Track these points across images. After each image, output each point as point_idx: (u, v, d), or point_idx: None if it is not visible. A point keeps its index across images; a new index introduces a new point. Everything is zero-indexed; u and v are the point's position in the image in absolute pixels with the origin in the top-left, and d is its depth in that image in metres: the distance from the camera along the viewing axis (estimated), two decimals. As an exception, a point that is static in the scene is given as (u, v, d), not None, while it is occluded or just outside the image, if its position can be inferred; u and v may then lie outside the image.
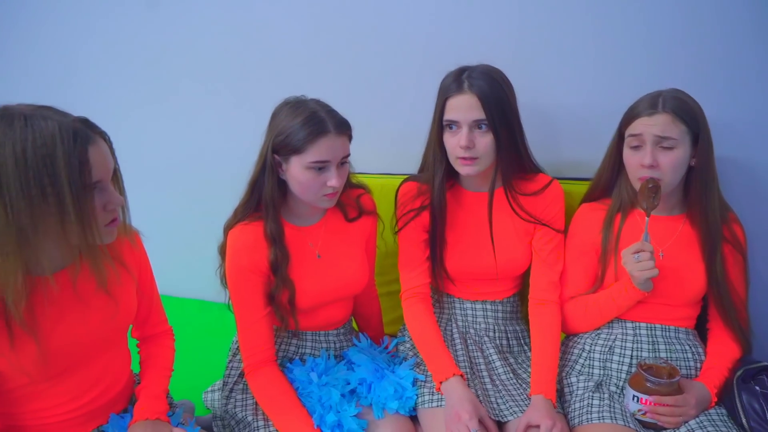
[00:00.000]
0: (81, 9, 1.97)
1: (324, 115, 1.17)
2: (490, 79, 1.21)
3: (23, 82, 2.14)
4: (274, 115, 1.21)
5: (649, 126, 1.17)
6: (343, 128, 1.20)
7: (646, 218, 1.19)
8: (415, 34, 1.63)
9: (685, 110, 1.18)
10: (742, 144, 1.42)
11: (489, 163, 1.26)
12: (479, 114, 1.20)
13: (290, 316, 1.26)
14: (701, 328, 1.32)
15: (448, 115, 1.23)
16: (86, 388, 1.07)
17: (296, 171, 1.17)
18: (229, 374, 1.33)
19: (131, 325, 1.23)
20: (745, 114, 1.40)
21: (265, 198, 1.21)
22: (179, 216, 2.08)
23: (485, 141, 1.22)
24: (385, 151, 1.74)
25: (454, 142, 1.24)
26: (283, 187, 1.24)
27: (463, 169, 1.25)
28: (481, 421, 1.15)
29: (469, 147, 1.21)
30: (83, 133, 0.88)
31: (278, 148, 1.17)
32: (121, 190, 1.00)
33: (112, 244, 1.03)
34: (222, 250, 1.26)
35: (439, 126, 1.27)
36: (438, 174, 1.31)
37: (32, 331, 0.94)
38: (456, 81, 1.22)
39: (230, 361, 1.36)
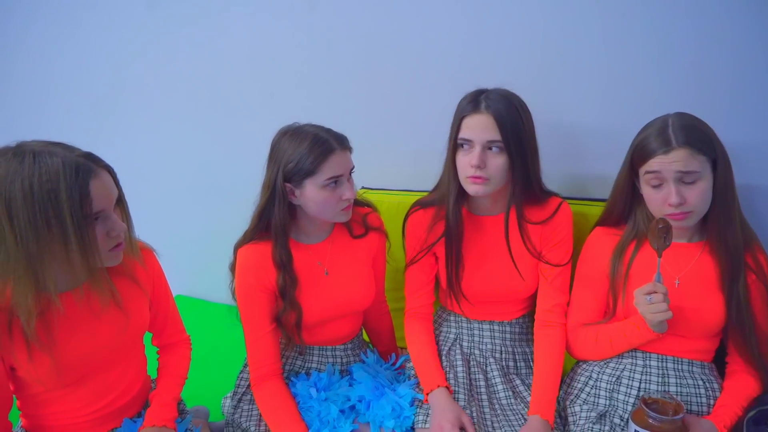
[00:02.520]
0: (86, 12, 2.11)
1: (325, 135, 1.22)
2: (508, 102, 1.21)
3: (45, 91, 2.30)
4: (275, 146, 1.25)
5: (667, 164, 1.11)
6: (345, 143, 1.25)
7: (658, 259, 1.13)
8: (435, 51, 1.63)
9: (700, 139, 1.11)
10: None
11: (498, 185, 1.25)
12: (494, 135, 1.20)
13: (296, 335, 1.31)
14: (721, 362, 1.26)
15: (463, 134, 1.23)
16: (101, 394, 1.16)
17: (312, 192, 1.21)
18: (239, 384, 1.40)
19: (151, 335, 1.32)
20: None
21: (275, 226, 1.25)
22: (207, 219, 2.18)
23: (497, 162, 1.21)
24: (404, 167, 1.76)
25: (465, 161, 1.24)
26: (291, 211, 1.28)
27: (471, 187, 1.24)
28: (464, 429, 1.17)
29: (480, 167, 1.21)
30: (85, 168, 0.96)
31: (290, 176, 1.21)
32: (126, 216, 1.08)
33: (124, 261, 1.12)
34: (232, 268, 1.32)
35: (454, 145, 1.27)
36: (452, 194, 1.30)
37: (46, 345, 1.03)
38: (473, 101, 1.23)
39: (242, 371, 1.42)
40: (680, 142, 1.10)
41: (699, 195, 1.11)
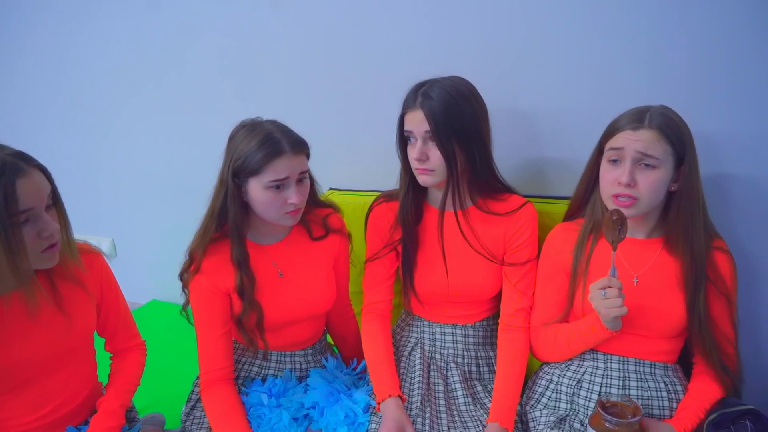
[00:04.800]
0: (73, 11, 2.07)
1: (279, 136, 1.18)
2: (446, 94, 1.18)
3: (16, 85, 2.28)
4: (231, 139, 1.22)
5: (632, 141, 1.08)
6: (300, 147, 1.20)
7: (613, 252, 1.09)
8: (400, 49, 1.61)
9: (672, 129, 1.08)
10: (748, 158, 1.30)
11: (443, 176, 1.22)
12: (429, 128, 1.19)
13: (258, 338, 1.27)
14: (688, 362, 1.21)
15: (406, 127, 1.23)
16: (44, 400, 1.13)
17: (256, 192, 1.18)
18: (194, 391, 1.36)
19: (104, 340, 1.29)
20: (749, 127, 1.29)
21: (230, 223, 1.22)
22: (179, 222, 2.15)
23: (438, 153, 1.20)
24: (371, 168, 1.73)
25: (411, 154, 1.24)
26: (245, 207, 1.25)
27: (420, 177, 1.25)
28: None
29: (421, 159, 1.21)
30: (12, 166, 0.94)
31: (237, 172, 1.18)
32: (63, 217, 1.05)
33: (66, 264, 1.09)
34: (183, 275, 1.27)
35: (402, 139, 1.27)
36: (403, 188, 1.31)
37: None
38: (412, 95, 1.22)
39: (197, 377, 1.39)
40: (652, 123, 1.08)
41: (650, 184, 1.08)
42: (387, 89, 1.65)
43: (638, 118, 1.10)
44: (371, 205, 1.40)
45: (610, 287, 1.06)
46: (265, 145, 1.16)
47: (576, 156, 1.29)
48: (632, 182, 1.08)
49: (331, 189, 1.77)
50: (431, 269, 1.31)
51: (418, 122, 1.19)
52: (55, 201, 1.04)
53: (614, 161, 1.12)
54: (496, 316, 1.37)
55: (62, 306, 1.11)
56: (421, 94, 1.19)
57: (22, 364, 1.07)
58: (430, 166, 1.21)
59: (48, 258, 1.03)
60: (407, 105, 1.22)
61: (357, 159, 1.77)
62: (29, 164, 0.98)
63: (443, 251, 1.28)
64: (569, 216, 1.30)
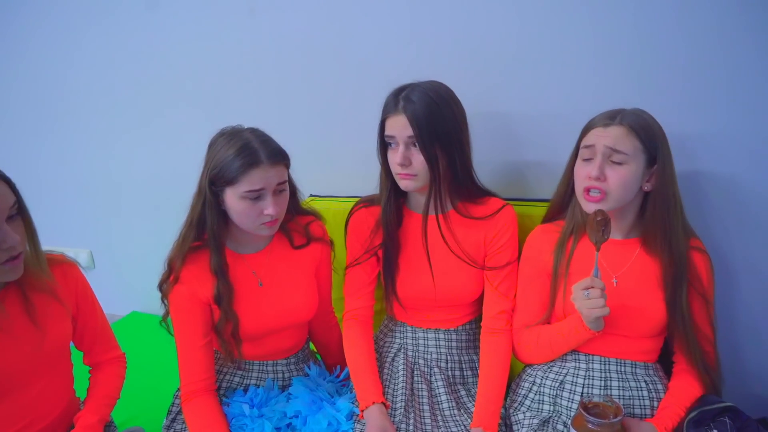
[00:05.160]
0: (71, 14, 2.03)
1: (257, 146, 1.16)
2: (427, 98, 1.18)
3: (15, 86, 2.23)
4: (210, 146, 1.21)
5: (601, 137, 1.10)
6: (277, 158, 1.18)
7: (596, 253, 1.10)
8: (379, 55, 1.61)
9: (642, 126, 1.10)
10: (722, 157, 1.32)
11: (426, 180, 1.23)
12: (411, 133, 1.18)
13: (234, 348, 1.25)
14: (668, 361, 1.22)
15: (387, 132, 1.23)
16: (18, 417, 1.10)
17: (232, 201, 1.16)
18: (175, 402, 1.34)
19: (82, 354, 1.26)
20: (724, 127, 1.31)
21: (209, 232, 1.20)
22: (159, 233, 2.12)
23: (420, 158, 1.19)
24: (352, 174, 1.72)
25: (393, 159, 1.23)
26: (224, 216, 1.23)
27: (402, 182, 1.24)
28: None
29: (404, 164, 1.20)
30: None
31: (214, 181, 1.17)
32: (29, 229, 1.03)
33: (37, 275, 1.08)
34: (162, 285, 1.25)
35: (383, 143, 1.26)
36: (384, 193, 1.31)
37: None
38: (393, 100, 1.22)
39: (178, 389, 1.36)
40: (623, 121, 1.10)
41: (619, 179, 1.09)
42: (366, 95, 1.65)
43: (610, 116, 1.13)
44: (351, 211, 1.39)
45: (592, 287, 1.07)
46: (241, 154, 1.14)
47: (555, 159, 1.30)
48: (601, 176, 1.10)
49: (311, 195, 1.77)
50: (413, 273, 1.31)
51: (400, 127, 1.19)
52: (21, 212, 1.02)
53: (587, 160, 1.14)
54: (478, 319, 1.37)
55: (35, 318, 1.09)
56: (402, 99, 1.19)
57: None
58: (413, 170, 1.20)
59: (9, 270, 1.01)
60: (388, 110, 1.22)
61: (337, 165, 1.76)
62: None
63: (428, 255, 1.28)
64: (549, 218, 1.31)
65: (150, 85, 1.97)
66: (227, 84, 1.84)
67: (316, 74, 1.71)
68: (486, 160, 1.40)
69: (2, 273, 1.00)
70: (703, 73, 1.29)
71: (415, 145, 1.19)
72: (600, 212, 1.09)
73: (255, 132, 1.21)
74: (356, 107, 1.68)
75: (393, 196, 1.30)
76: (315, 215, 1.38)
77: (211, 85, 1.86)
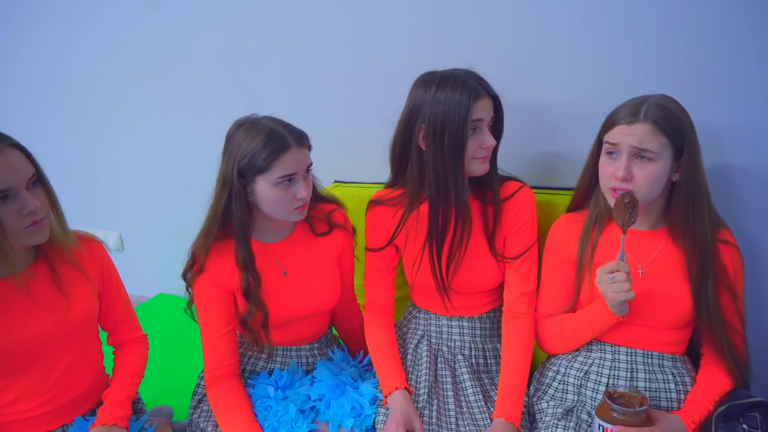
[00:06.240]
0: (75, 9, 2.08)
1: (282, 131, 1.16)
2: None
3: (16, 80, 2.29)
4: (229, 139, 1.20)
5: (626, 135, 1.07)
6: (303, 140, 1.19)
7: (622, 236, 1.08)
8: (403, 40, 1.60)
9: (668, 120, 1.06)
10: (752, 150, 1.28)
11: None
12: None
13: (263, 338, 1.26)
14: (696, 353, 1.20)
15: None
16: (46, 387, 1.13)
17: (264, 190, 1.17)
18: (200, 384, 1.36)
19: (106, 334, 1.29)
20: (750, 117, 1.27)
21: (235, 224, 1.20)
22: (186, 216, 2.15)
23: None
24: (376, 160, 1.70)
25: (476, 144, 1.19)
26: (249, 207, 1.22)
27: (480, 167, 1.21)
28: None
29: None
30: None
31: (243, 172, 1.16)
32: (50, 195, 1.07)
33: (65, 246, 1.13)
34: (186, 274, 1.26)
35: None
36: (454, 187, 1.20)
37: None
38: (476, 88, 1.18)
39: (203, 371, 1.39)
40: (647, 117, 1.06)
41: (647, 177, 1.06)
42: (391, 82, 1.65)
43: (633, 111, 1.07)
44: (368, 207, 1.36)
45: (618, 271, 1.06)
46: (270, 141, 1.14)
47: (578, 148, 1.28)
48: (628, 176, 1.07)
49: (336, 182, 1.77)
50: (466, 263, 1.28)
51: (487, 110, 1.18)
52: (40, 179, 1.05)
53: (611, 154, 1.11)
54: (499, 308, 1.36)
55: (61, 287, 1.13)
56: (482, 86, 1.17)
57: (23, 345, 1.08)
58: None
59: (34, 233, 1.04)
60: (474, 95, 1.15)
61: (362, 152, 1.75)
62: (4, 143, 0.98)
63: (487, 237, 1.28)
64: (573, 208, 1.29)
65: (176, 74, 1.99)
66: (254, 71, 1.85)
67: (341, 61, 1.71)
68: (514, 150, 1.38)
69: (28, 237, 1.03)
70: (737, 63, 1.26)
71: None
72: (627, 194, 1.07)
73: (273, 119, 1.21)
74: (379, 93, 1.67)
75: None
76: (337, 203, 1.38)
77: (238, 73, 1.88)
